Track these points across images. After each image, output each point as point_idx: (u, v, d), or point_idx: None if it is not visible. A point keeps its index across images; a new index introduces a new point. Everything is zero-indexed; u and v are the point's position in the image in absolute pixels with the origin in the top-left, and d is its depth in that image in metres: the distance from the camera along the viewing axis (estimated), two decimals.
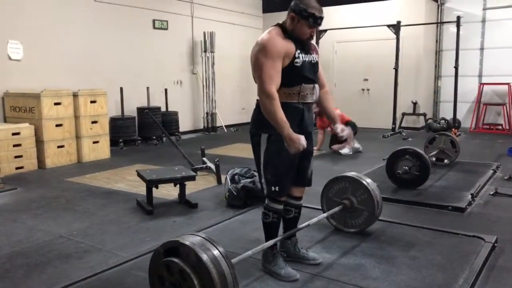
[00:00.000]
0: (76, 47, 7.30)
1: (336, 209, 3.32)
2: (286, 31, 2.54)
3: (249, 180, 4.30)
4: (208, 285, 1.99)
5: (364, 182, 3.32)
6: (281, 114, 2.42)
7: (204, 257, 2.00)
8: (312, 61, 2.62)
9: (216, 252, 2.05)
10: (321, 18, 2.51)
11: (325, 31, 9.79)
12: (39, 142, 6.07)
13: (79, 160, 6.52)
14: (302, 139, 2.43)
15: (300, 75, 2.55)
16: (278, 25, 2.59)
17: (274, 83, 2.44)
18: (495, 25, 9.72)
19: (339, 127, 2.83)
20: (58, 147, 6.26)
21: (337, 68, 10.67)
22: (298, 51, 2.53)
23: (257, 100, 2.59)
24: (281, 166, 2.61)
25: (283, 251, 2.91)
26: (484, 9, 9.83)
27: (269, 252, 2.75)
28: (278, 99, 2.43)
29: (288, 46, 2.50)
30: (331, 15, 10.47)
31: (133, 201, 4.40)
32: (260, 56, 2.46)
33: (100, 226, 3.75)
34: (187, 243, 2.06)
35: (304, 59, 2.55)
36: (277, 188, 2.64)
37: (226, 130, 10.10)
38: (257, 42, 2.53)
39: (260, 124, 2.62)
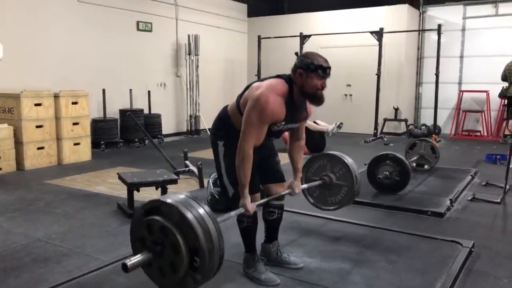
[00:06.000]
0: (58, 48, 7.21)
1: (316, 183, 3.23)
2: (292, 89, 2.49)
3: None
4: (191, 238, 1.89)
5: (342, 158, 3.23)
6: (247, 173, 2.46)
7: (189, 215, 1.91)
8: (290, 127, 2.66)
9: (201, 210, 1.97)
10: (329, 68, 2.49)
11: (309, 36, 9.87)
12: (18, 144, 5.96)
13: (60, 162, 6.42)
14: (250, 208, 2.50)
15: (267, 134, 2.54)
16: (286, 80, 2.50)
17: (256, 141, 2.46)
18: (474, 34, 9.95)
19: (296, 188, 2.83)
20: (38, 148, 6.15)
21: None
22: (284, 122, 2.53)
23: (226, 107, 2.71)
24: None
25: (264, 255, 2.91)
26: (464, 18, 10.06)
27: (250, 257, 2.75)
28: (251, 158, 2.45)
29: (280, 114, 2.47)
30: (316, 21, 10.61)
31: (114, 204, 4.35)
32: (253, 115, 2.40)
33: (79, 230, 3.69)
34: (169, 201, 1.99)
35: (282, 127, 2.57)
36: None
37: (209, 133, 10.05)
38: (256, 96, 2.40)
39: (217, 130, 2.74)
